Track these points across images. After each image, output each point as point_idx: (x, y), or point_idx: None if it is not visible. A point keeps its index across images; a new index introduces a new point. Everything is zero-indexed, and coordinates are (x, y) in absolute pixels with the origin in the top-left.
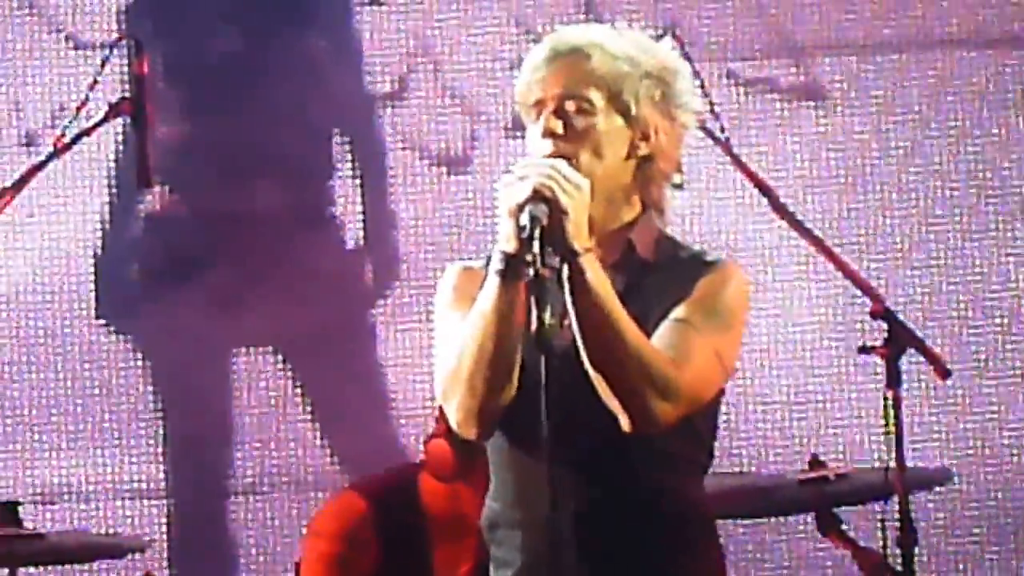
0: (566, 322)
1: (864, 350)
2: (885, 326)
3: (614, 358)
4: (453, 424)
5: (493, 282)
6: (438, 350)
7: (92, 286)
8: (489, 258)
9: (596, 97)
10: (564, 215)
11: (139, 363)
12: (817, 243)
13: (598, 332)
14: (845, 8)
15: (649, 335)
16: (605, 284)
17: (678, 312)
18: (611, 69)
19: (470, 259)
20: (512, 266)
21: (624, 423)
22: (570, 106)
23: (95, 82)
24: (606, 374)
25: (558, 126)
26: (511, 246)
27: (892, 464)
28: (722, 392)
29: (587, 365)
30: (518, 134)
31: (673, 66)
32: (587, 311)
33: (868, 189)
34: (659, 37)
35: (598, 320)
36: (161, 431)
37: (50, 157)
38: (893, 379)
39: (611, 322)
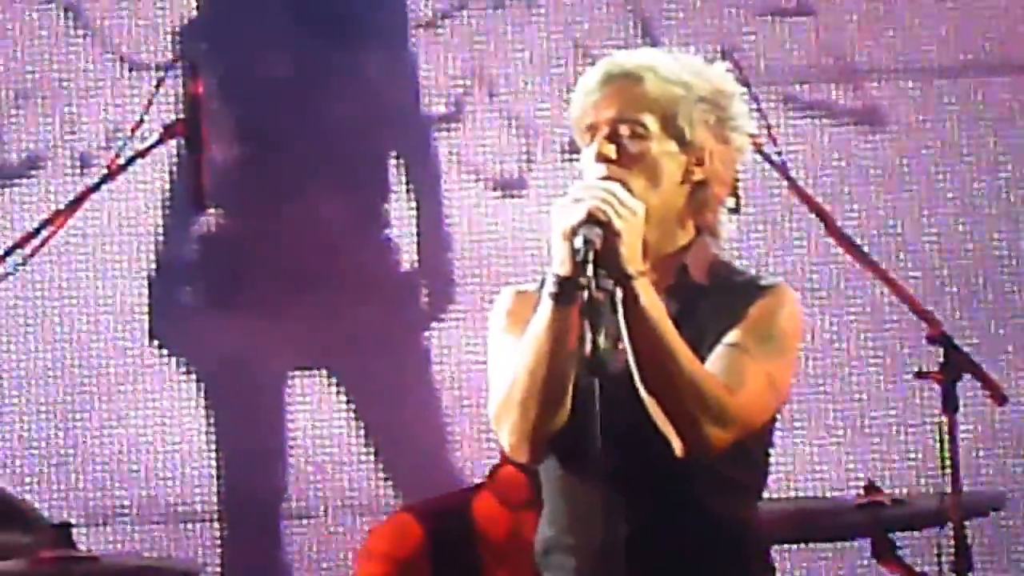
0: (620, 346)
1: (920, 375)
2: (941, 351)
3: (668, 382)
4: (505, 448)
5: (546, 306)
6: (492, 374)
7: (146, 307)
8: (543, 281)
9: (650, 121)
10: (618, 238)
11: (193, 384)
12: (874, 267)
13: (652, 356)
14: (903, 32)
15: (703, 359)
16: (659, 308)
17: (732, 337)
18: (665, 93)
19: (524, 283)
20: (566, 290)
21: (677, 447)
22: (624, 130)
23: (150, 103)
24: (660, 398)
25: (611, 151)
26: (565, 269)
27: (948, 490)
28: (775, 417)
29: (641, 389)
30: (573, 157)
31: (727, 89)
32: (641, 335)
33: (926, 213)
34: (716, 60)
35: (652, 344)
36: (215, 453)
37: (104, 179)
38: (949, 404)
39: (665, 346)
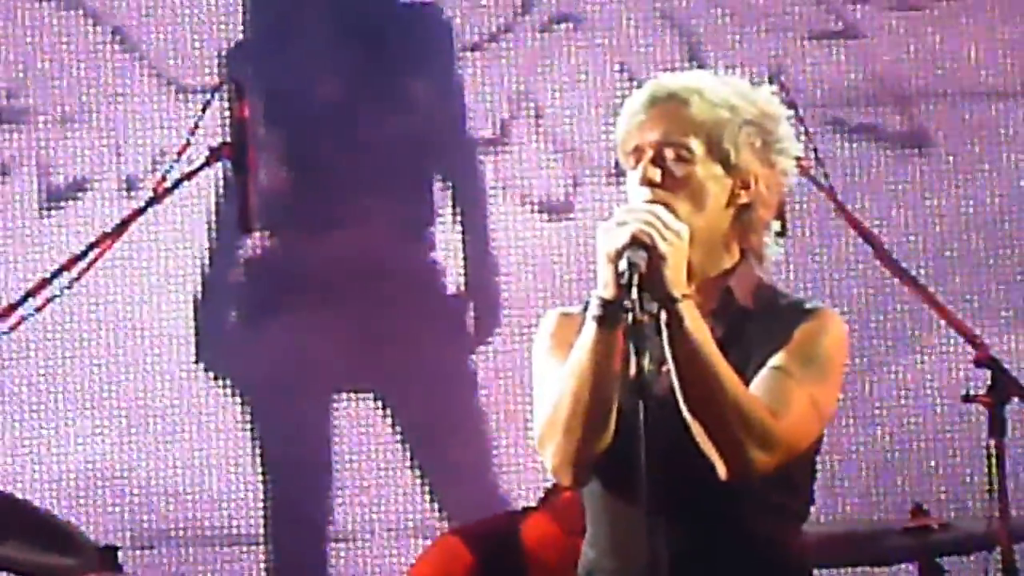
0: (664, 368)
1: (968, 399)
2: (989, 374)
3: (712, 405)
4: (549, 470)
5: (591, 328)
6: (536, 396)
7: (192, 330)
8: (588, 304)
9: (695, 145)
10: (663, 261)
11: (239, 407)
12: (921, 290)
13: (696, 379)
14: (950, 55)
15: (747, 383)
16: (703, 331)
17: (776, 360)
18: (710, 116)
19: (570, 305)
20: (610, 312)
21: (721, 471)
22: (669, 153)
23: (196, 126)
24: (704, 421)
25: (656, 174)
26: (609, 292)
27: (996, 513)
28: (820, 440)
29: (685, 412)
30: (620, 180)
31: (773, 112)
32: (685, 358)
33: (972, 236)
34: (762, 83)
35: (696, 367)
36: (261, 475)
37: (150, 202)
38: (997, 428)
39: (709, 369)
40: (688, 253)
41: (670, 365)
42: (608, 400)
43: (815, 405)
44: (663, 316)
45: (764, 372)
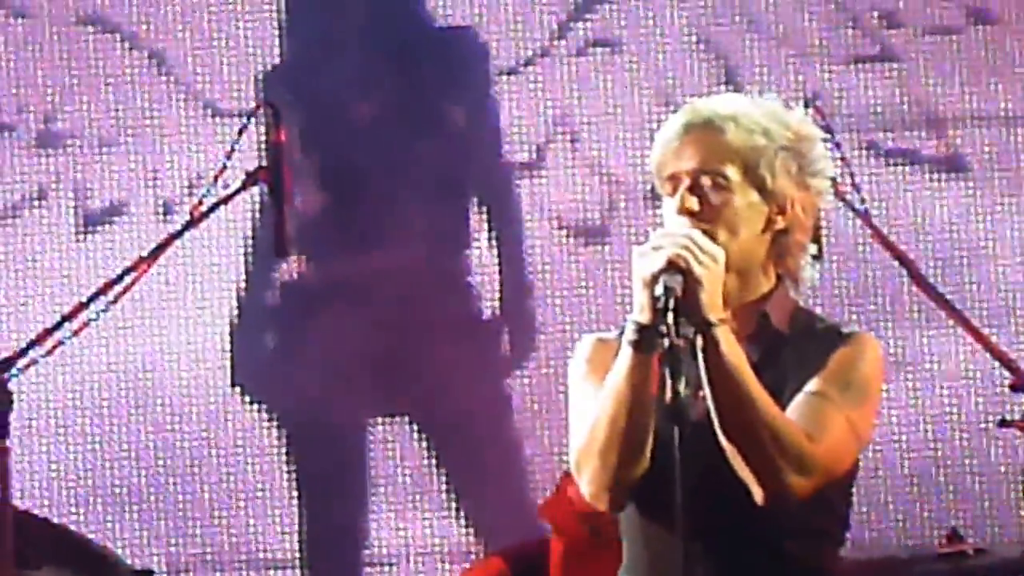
0: (700, 393)
1: (1004, 424)
2: None
3: (749, 431)
4: (585, 496)
5: (627, 353)
6: (572, 421)
7: (229, 354)
8: (623, 329)
9: (731, 172)
10: (699, 286)
11: (275, 432)
12: (957, 315)
13: (732, 404)
14: (985, 79)
15: (784, 407)
16: (740, 356)
17: (813, 385)
18: (746, 143)
19: (606, 330)
20: (646, 337)
21: (758, 496)
22: (706, 181)
23: (233, 150)
24: (740, 446)
25: (694, 203)
26: (645, 317)
27: None
28: (856, 464)
29: (721, 437)
30: (655, 204)
31: (807, 134)
32: (721, 383)
33: (1009, 261)
34: (797, 106)
35: (732, 392)
36: (297, 500)
37: (187, 226)
38: None
39: (746, 394)
40: (724, 278)
41: (706, 390)
42: (644, 426)
43: (853, 429)
44: (699, 341)
45: (801, 397)
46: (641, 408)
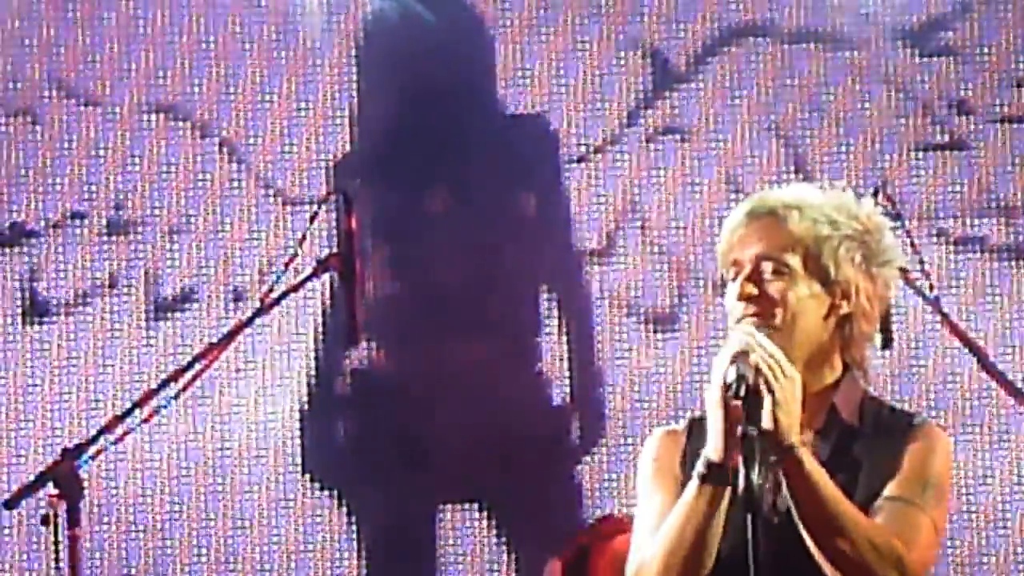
0: (772, 483)
1: None
2: None
3: (843, 545)
4: None
5: (693, 486)
6: (637, 521)
7: (299, 442)
8: (691, 419)
9: (793, 261)
10: (778, 408)
11: (345, 519)
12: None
13: (823, 523)
14: None
15: (854, 500)
16: (821, 474)
17: (895, 490)
18: (809, 232)
19: (676, 418)
20: (715, 474)
21: None
22: (766, 268)
23: (304, 237)
24: (836, 561)
25: (753, 290)
26: (718, 456)
27: None
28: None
29: (815, 552)
30: (725, 292)
31: (875, 224)
32: (809, 505)
33: None
34: (867, 195)
35: (821, 513)
36: None
37: (258, 312)
38: None
39: (833, 513)
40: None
41: (789, 503)
42: (708, 551)
43: (938, 530)
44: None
45: (885, 504)
46: (704, 537)
